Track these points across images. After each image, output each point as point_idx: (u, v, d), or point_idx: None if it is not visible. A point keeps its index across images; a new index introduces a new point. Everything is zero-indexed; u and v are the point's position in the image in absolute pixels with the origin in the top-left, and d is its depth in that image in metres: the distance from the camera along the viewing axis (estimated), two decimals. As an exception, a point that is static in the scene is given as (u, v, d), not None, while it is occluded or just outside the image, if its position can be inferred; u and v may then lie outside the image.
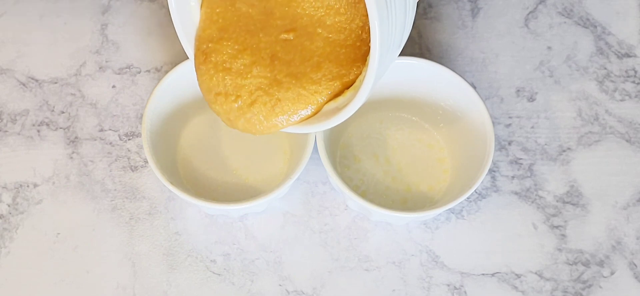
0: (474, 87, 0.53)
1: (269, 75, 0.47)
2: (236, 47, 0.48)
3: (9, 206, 0.54)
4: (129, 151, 0.56)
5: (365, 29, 0.48)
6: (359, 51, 0.47)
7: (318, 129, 0.46)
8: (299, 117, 0.46)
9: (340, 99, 0.46)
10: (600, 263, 0.53)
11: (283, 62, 0.47)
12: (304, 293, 0.52)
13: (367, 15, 0.47)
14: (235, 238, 0.53)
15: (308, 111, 0.46)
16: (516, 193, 0.55)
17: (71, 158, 0.56)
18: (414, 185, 0.54)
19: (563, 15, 0.63)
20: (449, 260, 0.53)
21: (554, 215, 0.54)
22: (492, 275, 0.52)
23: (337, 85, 0.46)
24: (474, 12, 0.63)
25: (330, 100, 0.46)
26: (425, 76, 0.53)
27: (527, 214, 0.54)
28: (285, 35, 0.47)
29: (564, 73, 0.60)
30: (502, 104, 0.59)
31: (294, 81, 0.46)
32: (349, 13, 0.48)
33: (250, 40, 0.48)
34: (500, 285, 0.52)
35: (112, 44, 0.61)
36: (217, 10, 0.49)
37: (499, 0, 0.64)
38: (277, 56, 0.47)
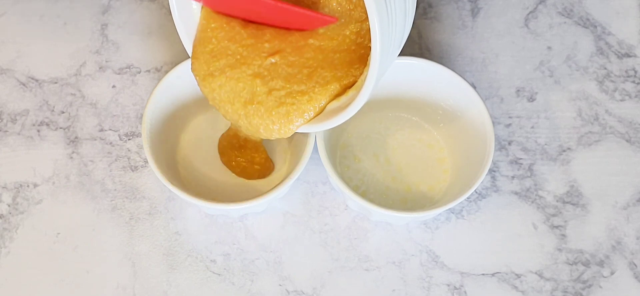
0: (474, 87, 0.53)
1: (242, 124, 0.48)
2: (218, 87, 0.49)
3: (9, 206, 0.54)
4: (129, 151, 0.56)
5: (360, 33, 0.48)
6: (355, 54, 0.48)
7: (322, 128, 0.46)
8: (297, 126, 0.47)
9: (342, 99, 0.46)
10: (600, 263, 0.53)
11: (261, 96, 0.48)
12: (304, 293, 0.52)
13: (361, 20, 0.48)
14: (235, 238, 0.53)
15: (306, 118, 0.47)
16: (516, 193, 0.55)
17: (71, 158, 0.56)
18: (414, 185, 0.54)
19: (563, 15, 0.63)
20: (449, 260, 0.53)
21: (554, 215, 0.54)
22: (492, 275, 0.52)
23: (334, 87, 0.46)
24: (474, 12, 0.63)
25: (332, 100, 0.46)
26: (425, 76, 0.53)
27: (527, 214, 0.54)
28: (271, 59, 0.48)
29: (564, 73, 0.60)
30: (502, 104, 0.59)
31: (275, 110, 0.47)
32: (342, 19, 0.48)
33: (231, 79, 0.48)
34: (500, 285, 0.52)
35: (112, 44, 0.61)
36: (212, 25, 0.49)
37: (499, 0, 0.64)
38: (255, 96, 0.48)
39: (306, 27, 0.47)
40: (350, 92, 0.46)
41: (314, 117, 0.47)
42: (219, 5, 0.48)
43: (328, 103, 0.47)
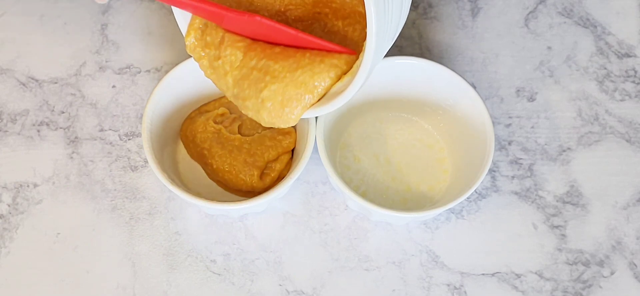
0: (474, 87, 0.53)
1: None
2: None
3: (9, 206, 0.54)
4: (129, 151, 0.56)
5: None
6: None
7: (318, 113, 0.47)
8: (296, 116, 0.47)
9: (338, 85, 0.46)
10: (600, 263, 0.53)
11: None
12: (304, 293, 0.52)
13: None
14: (235, 238, 0.53)
15: (302, 107, 0.47)
16: (516, 193, 0.55)
17: (71, 158, 0.56)
18: (414, 185, 0.54)
19: (563, 15, 0.63)
20: (449, 260, 0.53)
21: (554, 215, 0.54)
22: (492, 275, 0.52)
23: (328, 74, 0.47)
24: (474, 12, 0.63)
25: (332, 85, 0.47)
26: (425, 76, 0.53)
27: (527, 214, 0.54)
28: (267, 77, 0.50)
29: (564, 73, 0.60)
30: (502, 104, 0.59)
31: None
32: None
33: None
34: (500, 285, 0.52)
35: (112, 44, 0.61)
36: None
37: (499, 0, 0.64)
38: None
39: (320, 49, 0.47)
40: (346, 78, 0.46)
41: (316, 102, 0.47)
42: (232, 27, 0.48)
43: (331, 86, 0.47)
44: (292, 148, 0.53)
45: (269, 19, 0.47)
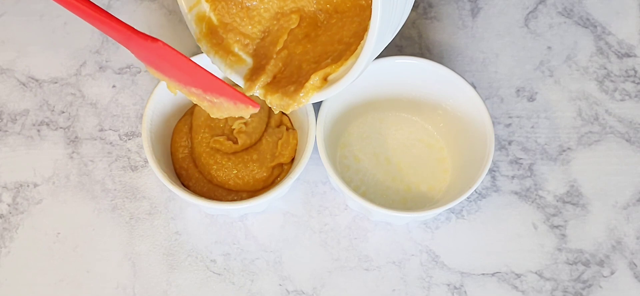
0: (474, 87, 0.53)
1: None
2: None
3: (9, 206, 0.54)
4: (129, 151, 0.56)
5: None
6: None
7: (322, 97, 0.47)
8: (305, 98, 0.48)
9: (340, 69, 0.46)
10: (600, 263, 0.53)
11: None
12: (304, 293, 0.52)
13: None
14: (235, 238, 0.53)
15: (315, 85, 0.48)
16: (516, 193, 0.55)
17: (71, 157, 0.56)
18: (414, 185, 0.54)
19: (563, 15, 0.63)
20: (449, 259, 0.53)
21: (554, 215, 0.54)
22: (492, 274, 0.52)
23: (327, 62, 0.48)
24: (474, 12, 0.63)
25: (333, 71, 0.47)
26: (425, 76, 0.53)
27: (527, 214, 0.54)
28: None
29: (564, 73, 0.60)
30: (502, 104, 0.59)
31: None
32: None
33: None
34: (500, 284, 0.52)
35: (112, 44, 0.61)
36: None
37: (499, 0, 0.64)
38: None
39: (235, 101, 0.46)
40: (349, 61, 0.46)
41: (320, 87, 0.47)
42: (157, 67, 0.47)
43: (332, 73, 0.47)
44: (289, 160, 0.53)
45: (172, 49, 0.45)
